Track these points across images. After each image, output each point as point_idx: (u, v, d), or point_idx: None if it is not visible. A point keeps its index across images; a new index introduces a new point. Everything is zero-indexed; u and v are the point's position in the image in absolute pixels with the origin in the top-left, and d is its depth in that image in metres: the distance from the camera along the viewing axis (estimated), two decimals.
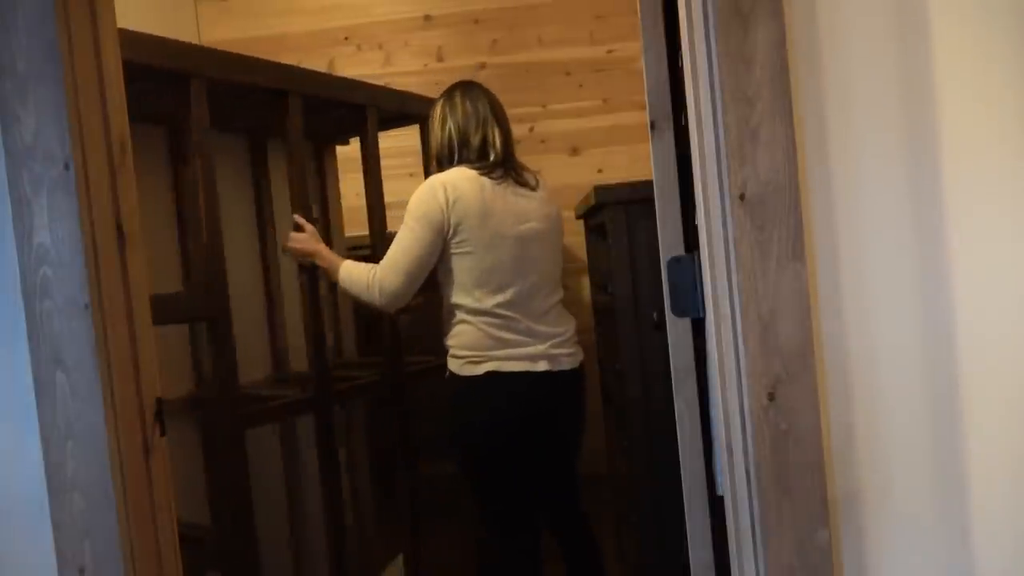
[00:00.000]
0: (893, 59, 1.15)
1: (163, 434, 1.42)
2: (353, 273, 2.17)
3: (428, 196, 2.07)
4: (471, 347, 2.10)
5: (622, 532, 2.81)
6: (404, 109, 2.80)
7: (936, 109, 1.15)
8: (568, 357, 2.18)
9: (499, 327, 2.09)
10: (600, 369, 3.16)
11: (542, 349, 2.12)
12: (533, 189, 2.19)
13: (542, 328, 2.14)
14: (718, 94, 1.14)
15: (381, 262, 2.13)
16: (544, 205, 2.20)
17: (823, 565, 1.13)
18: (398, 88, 3.04)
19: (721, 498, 1.33)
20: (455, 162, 2.15)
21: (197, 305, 2.02)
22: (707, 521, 1.55)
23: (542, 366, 2.11)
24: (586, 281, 3.80)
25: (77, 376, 1.21)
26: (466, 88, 2.22)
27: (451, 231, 2.07)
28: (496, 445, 2.12)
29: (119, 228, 1.32)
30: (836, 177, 1.16)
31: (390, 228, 2.65)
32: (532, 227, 2.14)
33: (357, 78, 2.90)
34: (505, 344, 2.09)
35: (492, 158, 2.14)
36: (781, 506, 1.13)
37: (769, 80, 1.12)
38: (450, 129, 2.16)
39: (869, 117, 1.16)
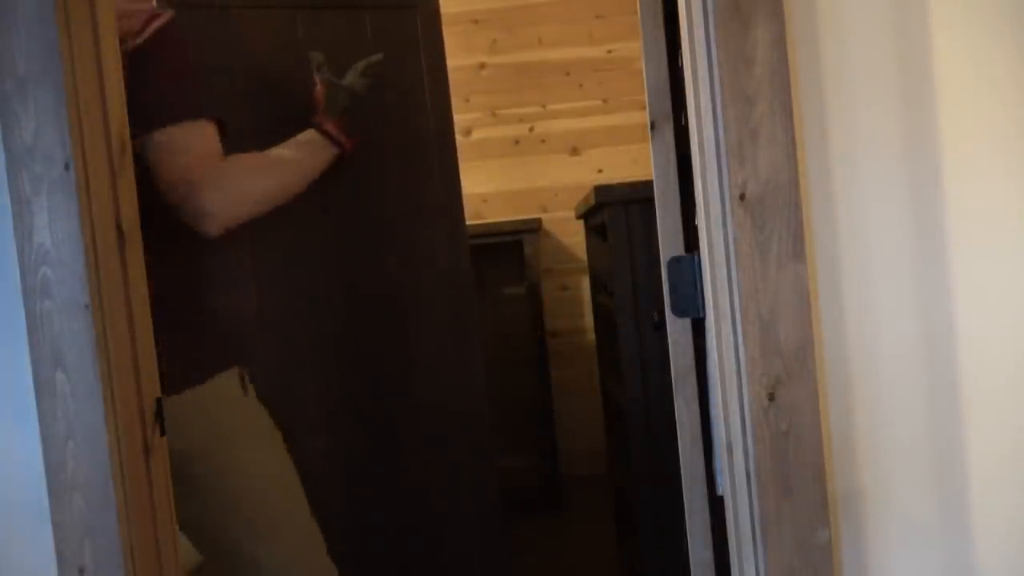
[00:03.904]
0: (894, 58, 1.15)
1: (163, 434, 1.42)
2: None
3: None
4: None
5: (622, 532, 2.81)
6: None
7: (937, 108, 1.15)
8: None
9: None
10: (600, 369, 3.16)
11: None
12: None
13: None
14: (718, 94, 1.14)
15: None
16: None
17: (823, 565, 1.13)
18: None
19: (721, 498, 1.33)
20: None
21: None
22: (707, 521, 1.56)
23: None
24: (586, 281, 3.80)
25: (77, 376, 1.21)
26: None
27: None
28: None
29: (119, 228, 1.32)
30: (836, 176, 1.16)
31: None
32: None
33: None
34: None
35: None
36: (781, 506, 1.14)
37: (769, 79, 1.12)
38: None
39: (870, 116, 1.16)
